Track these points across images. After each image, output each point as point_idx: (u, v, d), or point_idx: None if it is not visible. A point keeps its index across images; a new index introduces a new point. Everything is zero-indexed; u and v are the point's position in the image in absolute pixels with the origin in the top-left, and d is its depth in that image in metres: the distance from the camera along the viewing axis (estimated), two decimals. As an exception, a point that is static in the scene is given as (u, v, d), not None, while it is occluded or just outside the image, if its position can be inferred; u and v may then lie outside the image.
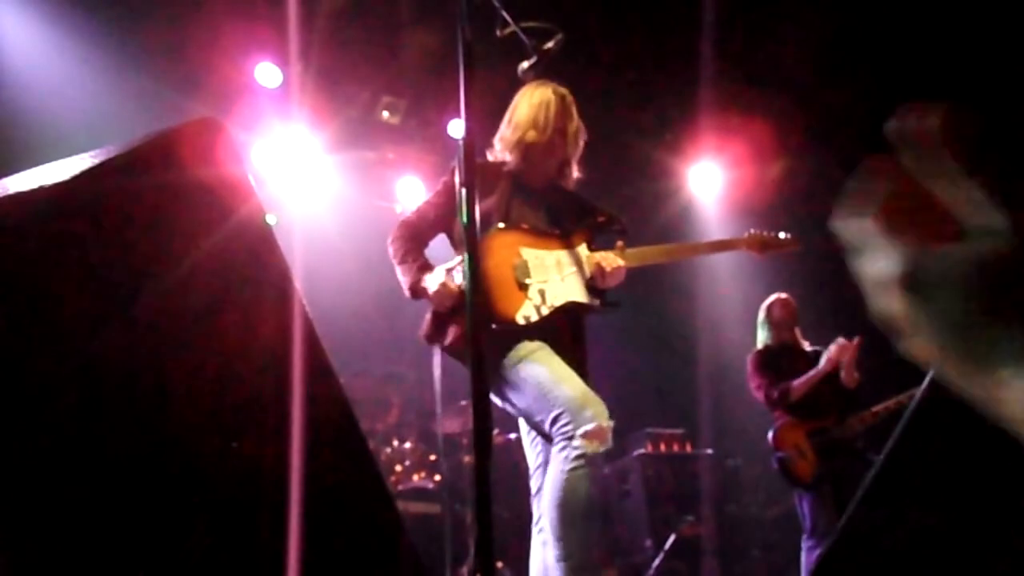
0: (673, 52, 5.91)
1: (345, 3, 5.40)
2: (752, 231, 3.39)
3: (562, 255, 2.86)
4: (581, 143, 3.00)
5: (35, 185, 0.75)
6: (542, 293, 2.74)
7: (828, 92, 6.10)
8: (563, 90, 2.98)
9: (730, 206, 7.29)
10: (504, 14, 2.55)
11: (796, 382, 4.70)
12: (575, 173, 3.03)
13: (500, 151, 2.99)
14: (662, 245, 3.15)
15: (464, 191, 1.96)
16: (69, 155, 1.05)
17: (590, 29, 5.59)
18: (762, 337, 5.06)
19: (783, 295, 5.10)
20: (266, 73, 5.79)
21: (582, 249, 2.91)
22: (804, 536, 4.58)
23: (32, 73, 5.00)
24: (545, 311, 2.71)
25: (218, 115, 5.59)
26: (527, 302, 2.70)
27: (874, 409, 4.62)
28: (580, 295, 2.81)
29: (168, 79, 5.32)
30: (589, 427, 2.47)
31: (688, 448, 6.45)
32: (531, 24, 2.68)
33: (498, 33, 2.77)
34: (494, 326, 2.60)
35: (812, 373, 4.66)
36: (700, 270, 7.49)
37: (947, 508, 1.57)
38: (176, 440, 0.84)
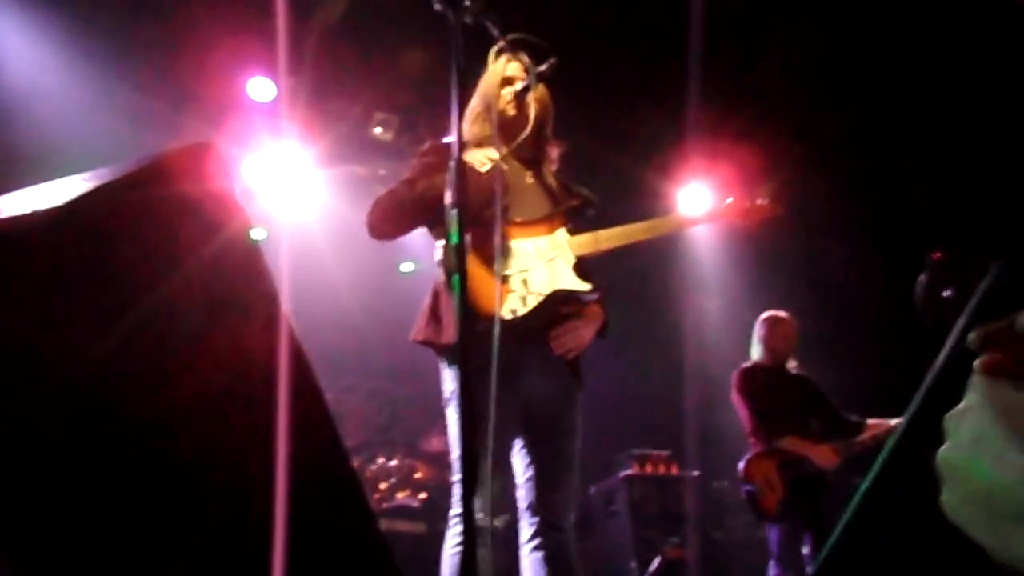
0: (663, 73, 5.95)
1: (339, 18, 5.42)
2: (730, 200, 3.07)
3: (541, 241, 2.62)
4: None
5: (29, 208, 0.75)
6: (525, 283, 2.51)
7: (817, 115, 6.16)
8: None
9: (719, 229, 7.33)
10: (499, 36, 2.55)
11: (787, 442, 4.58)
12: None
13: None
14: (639, 223, 2.82)
15: (456, 211, 1.94)
16: (63, 173, 1.05)
17: (579, 50, 5.62)
18: (755, 353, 4.92)
19: (783, 314, 4.93)
20: (259, 87, 5.79)
21: (561, 233, 2.67)
22: (771, 561, 4.53)
23: (24, 90, 4.99)
24: (532, 301, 2.48)
25: (210, 129, 5.61)
26: (511, 294, 2.47)
27: (850, 441, 4.59)
28: (567, 281, 2.58)
29: (160, 93, 5.32)
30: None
31: (674, 470, 6.44)
32: (524, 37, 2.67)
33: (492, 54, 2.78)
34: (478, 328, 2.28)
35: (807, 450, 4.54)
36: (689, 290, 7.52)
37: (932, 532, 1.58)
38: (158, 468, 0.83)
